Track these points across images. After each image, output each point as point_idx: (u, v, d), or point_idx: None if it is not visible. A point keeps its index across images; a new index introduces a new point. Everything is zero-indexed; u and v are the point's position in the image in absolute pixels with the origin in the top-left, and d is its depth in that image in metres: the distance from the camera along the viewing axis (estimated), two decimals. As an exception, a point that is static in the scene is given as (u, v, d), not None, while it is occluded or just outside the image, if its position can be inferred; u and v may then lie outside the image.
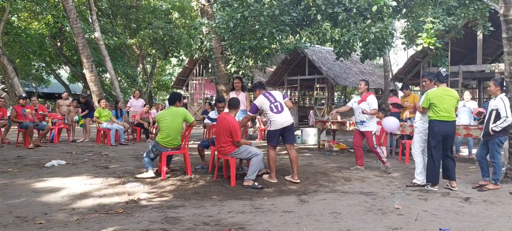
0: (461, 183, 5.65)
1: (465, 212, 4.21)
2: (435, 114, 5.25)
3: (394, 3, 8.66)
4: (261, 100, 5.69)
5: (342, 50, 8.94)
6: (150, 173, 5.76)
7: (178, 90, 23.51)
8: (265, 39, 8.58)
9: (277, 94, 5.79)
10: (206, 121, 7.17)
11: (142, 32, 21.72)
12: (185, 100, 21.99)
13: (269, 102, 5.63)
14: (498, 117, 5.32)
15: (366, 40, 8.18)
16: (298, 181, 5.62)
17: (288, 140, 5.70)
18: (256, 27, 8.65)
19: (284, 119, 5.59)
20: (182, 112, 5.96)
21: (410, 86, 14.75)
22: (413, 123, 5.98)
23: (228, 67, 10.35)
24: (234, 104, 5.62)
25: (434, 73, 5.56)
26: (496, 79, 5.52)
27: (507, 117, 5.26)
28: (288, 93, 22.84)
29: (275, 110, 5.59)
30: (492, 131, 5.32)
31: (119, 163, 7.14)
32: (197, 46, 9.66)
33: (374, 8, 8.15)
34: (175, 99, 6.14)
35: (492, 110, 5.41)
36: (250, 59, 10.60)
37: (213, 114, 7.09)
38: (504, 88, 5.50)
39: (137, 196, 4.64)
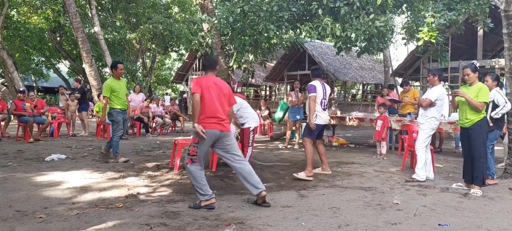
0: (460, 179, 5.65)
1: (464, 207, 4.22)
2: (485, 112, 5.11)
3: None
4: (318, 89, 5.64)
5: (343, 45, 8.91)
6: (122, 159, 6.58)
7: (178, 85, 23.48)
8: (265, 34, 8.55)
9: (329, 89, 5.89)
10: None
11: (142, 26, 21.62)
12: (185, 95, 21.99)
13: (322, 95, 5.71)
14: (494, 107, 5.50)
15: (370, 34, 8.13)
16: (330, 171, 5.84)
17: (320, 136, 5.96)
18: (256, 21, 8.61)
19: (328, 117, 5.92)
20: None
21: (410, 82, 14.74)
22: (418, 119, 5.95)
23: (231, 64, 10.33)
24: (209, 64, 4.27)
25: (472, 66, 5.15)
26: (492, 74, 5.71)
27: (506, 102, 5.41)
28: (287, 88, 22.78)
29: (323, 106, 5.76)
30: (491, 119, 5.42)
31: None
32: (198, 42, 9.62)
33: (378, 1, 8.10)
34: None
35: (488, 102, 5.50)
36: (250, 54, 10.58)
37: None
38: (499, 83, 5.74)
39: (137, 191, 4.65)
